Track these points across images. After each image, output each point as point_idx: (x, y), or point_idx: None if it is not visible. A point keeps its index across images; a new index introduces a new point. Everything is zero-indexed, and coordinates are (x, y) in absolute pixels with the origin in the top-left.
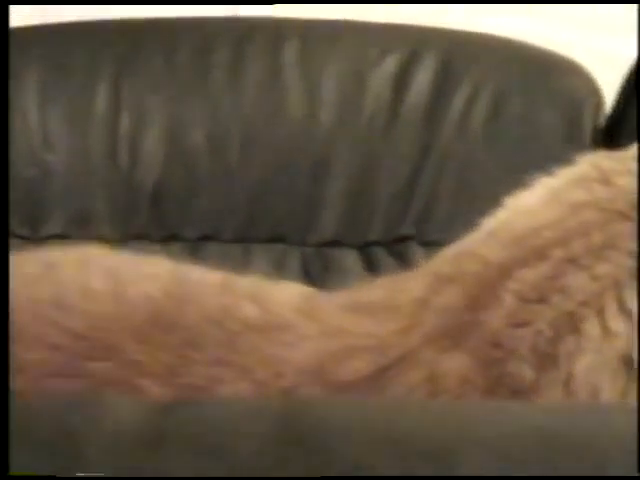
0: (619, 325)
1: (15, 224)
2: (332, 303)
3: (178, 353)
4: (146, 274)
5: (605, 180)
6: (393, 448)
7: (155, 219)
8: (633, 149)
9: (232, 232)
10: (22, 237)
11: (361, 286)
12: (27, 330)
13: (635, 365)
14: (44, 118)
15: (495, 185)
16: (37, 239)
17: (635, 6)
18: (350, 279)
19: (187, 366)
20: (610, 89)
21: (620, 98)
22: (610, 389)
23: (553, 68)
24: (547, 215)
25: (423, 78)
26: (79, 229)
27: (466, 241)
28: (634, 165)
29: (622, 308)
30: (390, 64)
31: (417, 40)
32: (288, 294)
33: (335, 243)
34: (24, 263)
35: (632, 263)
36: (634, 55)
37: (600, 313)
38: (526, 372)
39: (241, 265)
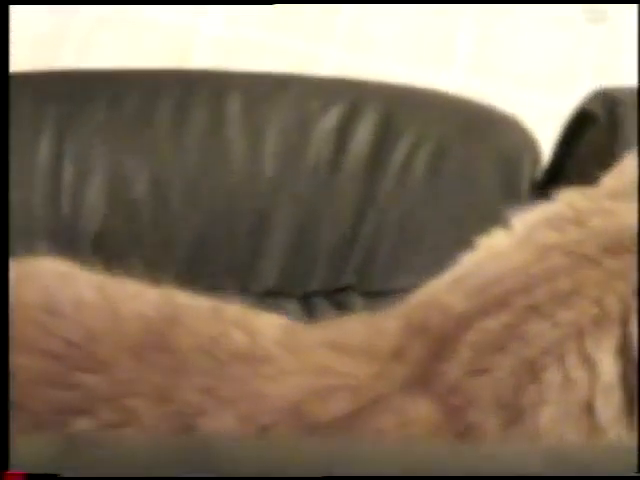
0: (580, 374)
1: None
2: (313, 338)
3: (168, 377)
4: (133, 293)
5: (578, 221)
6: None
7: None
8: (605, 185)
9: (173, 280)
10: None
11: (340, 322)
12: (17, 333)
13: (597, 414)
14: None
15: (434, 237)
16: None
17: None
18: None
19: (175, 392)
20: (549, 144)
21: (556, 152)
22: (574, 439)
23: (492, 123)
24: (514, 259)
25: (365, 131)
26: None
27: (437, 284)
28: (608, 204)
29: (584, 356)
30: (332, 117)
31: (359, 93)
32: (271, 325)
33: (276, 293)
34: None
35: (596, 311)
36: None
37: (561, 361)
38: (489, 423)
39: None
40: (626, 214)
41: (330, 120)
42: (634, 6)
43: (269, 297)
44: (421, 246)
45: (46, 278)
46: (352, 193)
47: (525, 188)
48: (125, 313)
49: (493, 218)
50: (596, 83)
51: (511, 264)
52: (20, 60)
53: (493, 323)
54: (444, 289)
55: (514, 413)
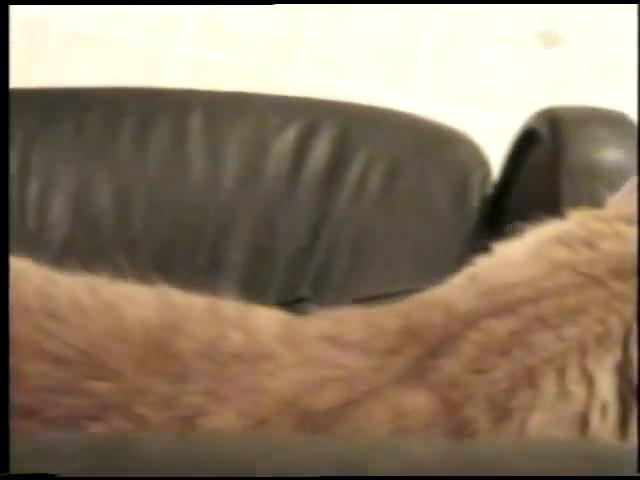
0: (577, 388)
1: None
2: (312, 332)
3: (173, 383)
4: (128, 295)
5: (590, 243)
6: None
7: None
8: (620, 207)
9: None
10: None
11: (339, 316)
12: (21, 338)
13: (591, 427)
14: None
15: (388, 251)
16: None
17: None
18: None
19: (180, 397)
20: (499, 161)
21: (505, 169)
22: None
23: (444, 140)
24: (526, 271)
25: (321, 147)
26: None
27: (442, 287)
28: (621, 227)
29: (583, 372)
30: (290, 133)
31: (317, 111)
32: (269, 320)
33: None
34: None
35: (600, 330)
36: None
37: (560, 373)
38: (481, 420)
39: None
40: (636, 239)
41: (288, 137)
42: (589, 29)
43: None
44: (375, 259)
45: (35, 278)
46: (309, 208)
47: (476, 203)
48: (127, 319)
49: (445, 232)
50: (548, 104)
51: (523, 274)
52: None
53: (500, 326)
54: (452, 289)
55: (503, 412)
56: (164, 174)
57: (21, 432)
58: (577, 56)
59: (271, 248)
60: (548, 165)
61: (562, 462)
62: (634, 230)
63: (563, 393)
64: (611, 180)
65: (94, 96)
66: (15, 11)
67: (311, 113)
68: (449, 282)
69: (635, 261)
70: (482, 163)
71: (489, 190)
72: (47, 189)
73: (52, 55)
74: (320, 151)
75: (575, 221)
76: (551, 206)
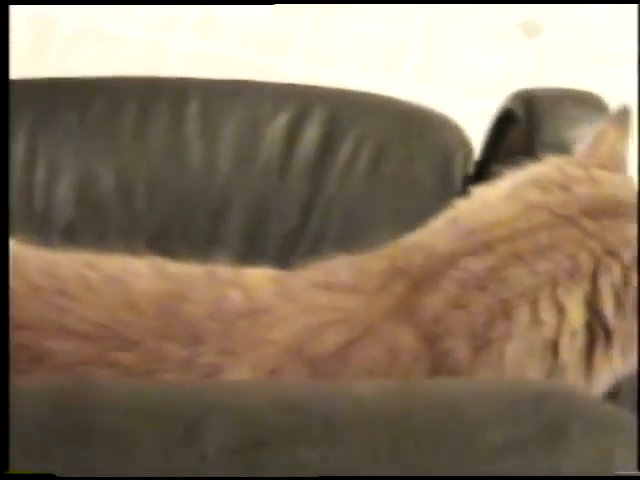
0: (549, 317)
1: None
2: (302, 282)
3: (188, 348)
4: (124, 267)
5: (564, 186)
6: (151, 417)
7: None
8: (597, 154)
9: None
10: None
11: (326, 265)
12: (40, 317)
13: (560, 353)
14: None
15: (376, 229)
16: None
17: None
18: None
19: (197, 359)
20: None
21: (484, 149)
22: (536, 373)
23: (428, 123)
24: (503, 211)
25: (312, 132)
26: None
27: (424, 231)
28: (597, 173)
29: (555, 303)
30: (282, 119)
31: (307, 98)
32: (262, 277)
33: None
34: None
35: (570, 265)
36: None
37: (533, 304)
38: (462, 352)
39: None
40: (610, 183)
41: (281, 122)
42: (568, 19)
43: None
44: (363, 238)
45: (37, 260)
46: (300, 190)
47: (458, 182)
48: (134, 291)
49: (430, 210)
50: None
51: (499, 215)
52: None
53: (478, 264)
54: (434, 232)
55: (483, 342)
56: (163, 158)
57: None
58: (556, 45)
59: (264, 227)
60: (524, 143)
61: (494, 401)
62: (607, 174)
63: (536, 321)
64: None
65: (96, 86)
66: (24, 9)
67: (302, 99)
68: (431, 226)
69: (607, 202)
70: (464, 144)
71: (471, 169)
72: (53, 172)
73: (59, 49)
74: (311, 135)
75: (552, 165)
76: None
